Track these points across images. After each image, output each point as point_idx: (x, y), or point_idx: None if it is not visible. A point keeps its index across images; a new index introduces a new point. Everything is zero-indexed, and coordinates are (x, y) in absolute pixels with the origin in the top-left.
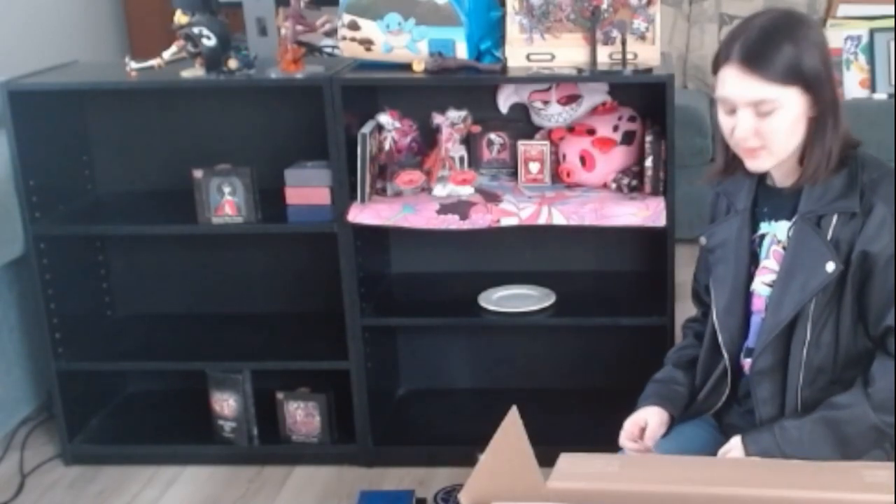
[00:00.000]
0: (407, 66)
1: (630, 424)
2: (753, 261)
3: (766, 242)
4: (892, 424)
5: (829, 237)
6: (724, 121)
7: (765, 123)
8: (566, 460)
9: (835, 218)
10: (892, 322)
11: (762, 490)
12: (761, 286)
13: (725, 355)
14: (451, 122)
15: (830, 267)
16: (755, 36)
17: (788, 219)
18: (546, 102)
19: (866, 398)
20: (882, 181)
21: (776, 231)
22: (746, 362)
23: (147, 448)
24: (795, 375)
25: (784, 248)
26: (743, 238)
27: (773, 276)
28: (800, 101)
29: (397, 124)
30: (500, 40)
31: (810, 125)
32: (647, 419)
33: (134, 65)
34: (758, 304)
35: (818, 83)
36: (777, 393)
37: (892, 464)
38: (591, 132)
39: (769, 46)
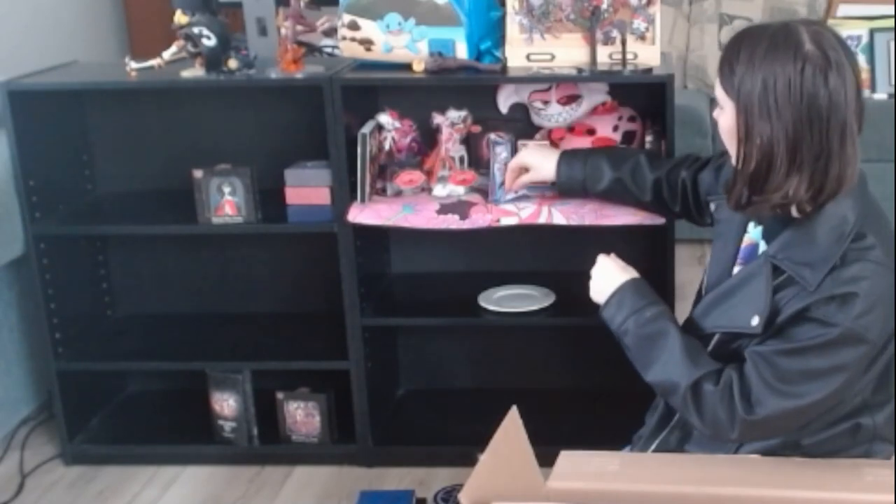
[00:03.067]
0: (407, 66)
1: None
2: None
3: (745, 239)
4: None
5: (776, 281)
6: None
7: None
8: (566, 459)
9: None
10: (749, 355)
11: (762, 490)
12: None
13: None
14: (451, 122)
15: (755, 321)
16: (736, 43)
17: (763, 229)
18: (546, 102)
19: (694, 378)
20: (862, 261)
21: (753, 235)
22: None
23: (147, 448)
24: None
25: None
26: (738, 223)
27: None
28: (731, 116)
29: (397, 124)
30: (500, 40)
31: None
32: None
33: (134, 65)
34: None
35: (750, 112)
36: None
37: (892, 463)
38: (591, 132)
39: (734, 55)
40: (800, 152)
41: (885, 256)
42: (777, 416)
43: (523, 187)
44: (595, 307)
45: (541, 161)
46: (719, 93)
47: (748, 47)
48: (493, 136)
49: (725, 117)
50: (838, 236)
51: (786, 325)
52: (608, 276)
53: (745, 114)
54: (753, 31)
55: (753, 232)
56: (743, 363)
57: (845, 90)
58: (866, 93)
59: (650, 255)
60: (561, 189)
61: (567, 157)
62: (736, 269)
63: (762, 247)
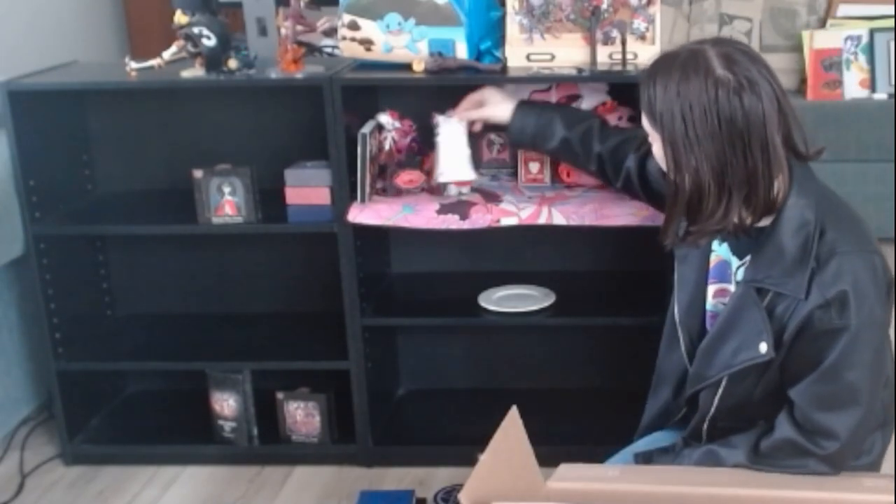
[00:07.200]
0: (407, 66)
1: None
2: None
3: (712, 257)
4: (762, 466)
5: (764, 303)
6: None
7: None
8: (566, 469)
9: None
10: (794, 396)
11: (761, 490)
12: (709, 300)
13: (685, 357)
14: None
15: (763, 348)
16: (651, 75)
17: (729, 244)
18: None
19: (750, 450)
20: (834, 256)
21: (720, 252)
22: None
23: (147, 448)
24: (707, 408)
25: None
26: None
27: (715, 298)
28: (661, 147)
29: (397, 124)
30: (500, 40)
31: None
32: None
33: (134, 65)
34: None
35: (675, 146)
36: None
37: (893, 461)
38: None
39: (651, 87)
40: (727, 177)
41: (850, 243)
42: (855, 427)
43: (471, 119)
44: (594, 307)
45: (499, 100)
46: (646, 124)
47: (662, 79)
48: (437, 114)
49: (656, 146)
50: (805, 239)
51: (797, 344)
52: None
53: (672, 147)
54: (664, 61)
55: (719, 249)
56: (776, 414)
57: (762, 106)
58: (866, 93)
59: (650, 256)
60: (511, 140)
61: (523, 107)
62: (710, 289)
63: (734, 262)
